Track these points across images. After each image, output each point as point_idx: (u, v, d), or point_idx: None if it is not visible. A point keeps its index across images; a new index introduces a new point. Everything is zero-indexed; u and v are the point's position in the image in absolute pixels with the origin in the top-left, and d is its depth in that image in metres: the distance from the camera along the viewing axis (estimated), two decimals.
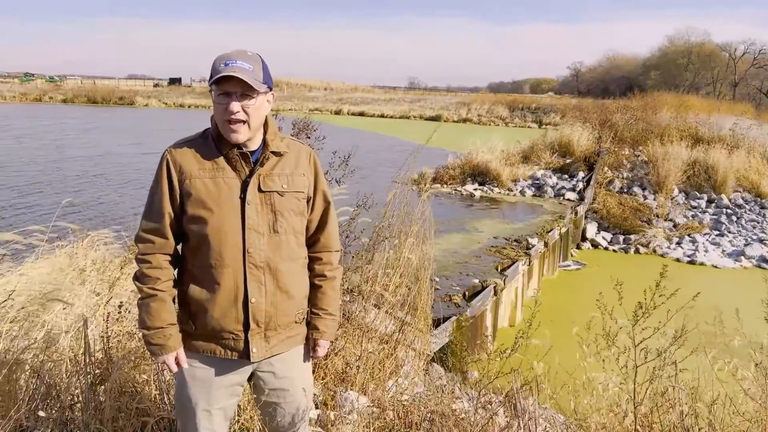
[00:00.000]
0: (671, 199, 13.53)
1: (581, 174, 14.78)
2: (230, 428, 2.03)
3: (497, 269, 7.36)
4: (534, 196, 13.46)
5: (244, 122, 1.77)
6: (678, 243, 11.43)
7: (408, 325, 3.97)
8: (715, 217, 12.81)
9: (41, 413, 2.44)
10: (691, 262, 10.54)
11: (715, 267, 10.36)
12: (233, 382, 1.92)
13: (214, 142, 1.84)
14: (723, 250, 11.07)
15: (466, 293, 6.32)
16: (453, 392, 3.22)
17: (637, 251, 11.14)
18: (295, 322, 1.96)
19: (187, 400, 1.90)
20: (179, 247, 1.92)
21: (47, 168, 16.53)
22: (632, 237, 11.48)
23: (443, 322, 5.20)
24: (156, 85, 73.92)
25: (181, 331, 1.88)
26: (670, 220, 12.52)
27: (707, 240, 11.58)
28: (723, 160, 14.16)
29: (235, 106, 1.74)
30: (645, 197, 13.60)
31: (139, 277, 1.84)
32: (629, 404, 2.70)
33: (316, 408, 3.00)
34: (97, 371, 2.60)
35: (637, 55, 70.89)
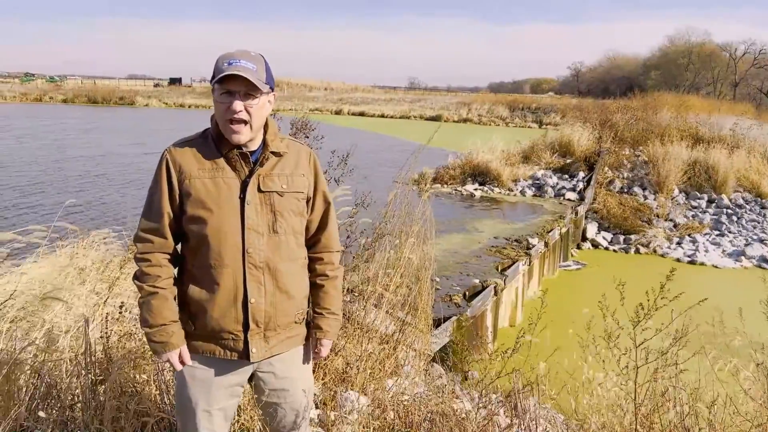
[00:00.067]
0: (671, 199, 13.52)
1: (581, 174, 14.78)
2: (230, 428, 2.03)
3: (497, 269, 7.36)
4: (534, 196, 13.46)
5: (245, 123, 1.77)
6: (678, 243, 11.43)
7: (408, 325, 3.97)
8: (715, 217, 12.80)
9: (41, 413, 2.44)
10: (692, 262, 10.53)
11: (716, 267, 10.35)
12: (233, 383, 1.92)
13: (213, 142, 1.84)
14: (723, 250, 11.06)
15: (467, 293, 6.32)
16: (453, 392, 3.22)
17: (637, 251, 11.14)
18: (295, 323, 1.95)
19: (187, 400, 1.89)
20: (178, 247, 1.91)
21: (49, 168, 16.54)
22: (632, 237, 11.48)
23: (444, 322, 5.20)
24: (156, 85, 73.92)
25: None
26: (671, 220, 12.52)
27: (707, 240, 11.57)
28: (723, 160, 14.16)
29: (238, 105, 1.74)
30: (645, 197, 13.60)
31: (139, 276, 1.84)
32: (630, 404, 2.70)
33: (317, 408, 3.00)
34: (97, 371, 2.60)
35: (638, 55, 70.97)
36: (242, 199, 1.81)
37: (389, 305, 3.98)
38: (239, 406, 2.62)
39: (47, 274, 4.16)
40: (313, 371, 2.59)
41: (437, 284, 6.09)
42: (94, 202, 12.30)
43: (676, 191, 13.87)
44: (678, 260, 10.65)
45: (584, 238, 11.61)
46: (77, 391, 2.63)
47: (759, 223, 12.49)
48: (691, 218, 12.67)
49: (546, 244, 9.03)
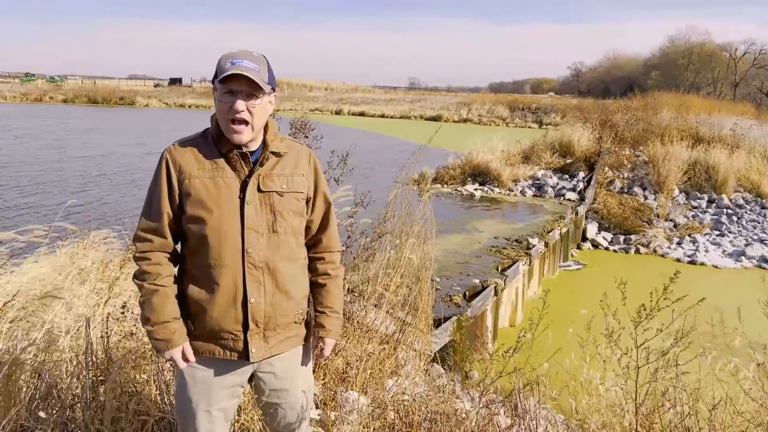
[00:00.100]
0: (672, 199, 13.52)
1: (582, 174, 14.78)
2: (231, 429, 2.03)
3: (498, 269, 7.36)
4: (534, 196, 13.46)
5: (247, 123, 1.77)
6: (678, 243, 11.43)
7: (408, 325, 3.97)
8: (715, 217, 12.80)
9: (41, 413, 2.44)
10: (692, 263, 10.52)
11: (716, 267, 10.34)
12: (233, 383, 1.92)
13: (214, 142, 1.84)
14: (723, 251, 11.06)
15: (467, 293, 6.32)
16: (454, 392, 3.22)
17: (637, 251, 11.13)
18: (295, 323, 1.95)
19: (188, 401, 1.89)
20: (178, 246, 1.91)
21: (49, 168, 16.55)
22: (633, 237, 11.47)
23: (444, 322, 5.20)
24: (156, 85, 73.99)
25: None
26: (671, 220, 12.51)
27: (708, 240, 11.57)
28: (724, 160, 14.15)
29: (241, 104, 1.74)
30: (645, 197, 13.59)
31: (139, 275, 1.84)
32: (630, 404, 2.70)
33: (317, 408, 3.00)
34: (97, 371, 2.60)
35: (638, 55, 71.09)
36: (242, 199, 1.81)
37: (389, 305, 3.98)
38: (239, 407, 2.62)
39: (47, 274, 4.16)
40: (313, 371, 2.59)
41: (437, 284, 6.09)
42: (94, 203, 12.31)
43: (677, 191, 13.86)
44: (678, 260, 10.64)
45: (584, 238, 11.60)
46: (77, 391, 2.63)
47: (759, 223, 12.48)
48: (691, 218, 12.67)
49: (546, 244, 9.03)
